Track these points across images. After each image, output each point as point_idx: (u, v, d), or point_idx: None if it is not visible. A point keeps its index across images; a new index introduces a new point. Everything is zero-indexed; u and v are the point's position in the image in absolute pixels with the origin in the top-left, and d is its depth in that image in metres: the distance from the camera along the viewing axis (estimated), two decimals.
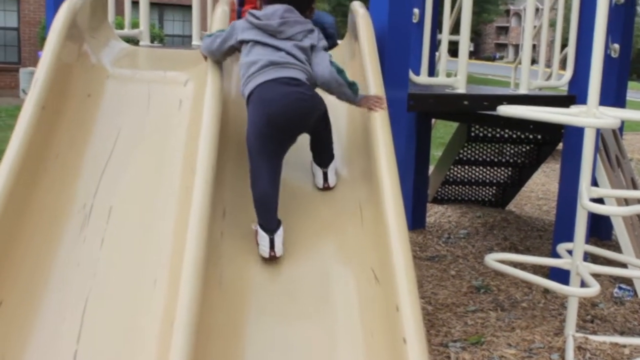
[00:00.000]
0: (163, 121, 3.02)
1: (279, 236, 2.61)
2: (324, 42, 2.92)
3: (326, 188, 2.92)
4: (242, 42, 2.84)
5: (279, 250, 2.61)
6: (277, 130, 2.68)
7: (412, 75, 3.81)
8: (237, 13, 4.62)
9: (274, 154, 2.72)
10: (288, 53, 2.76)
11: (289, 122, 2.70)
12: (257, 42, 2.79)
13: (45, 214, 2.57)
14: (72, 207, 2.63)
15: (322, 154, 2.95)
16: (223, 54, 2.96)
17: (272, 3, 2.86)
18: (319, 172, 2.93)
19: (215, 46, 2.92)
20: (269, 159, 2.69)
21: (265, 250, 2.60)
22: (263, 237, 2.60)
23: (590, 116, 3.43)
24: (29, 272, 2.37)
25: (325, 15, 4.16)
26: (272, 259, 2.61)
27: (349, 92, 2.85)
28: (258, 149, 2.68)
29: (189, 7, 5.13)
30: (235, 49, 2.92)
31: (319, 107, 2.83)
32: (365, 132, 2.99)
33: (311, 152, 2.96)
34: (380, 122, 2.87)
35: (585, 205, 3.56)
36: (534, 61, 5.01)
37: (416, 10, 5.16)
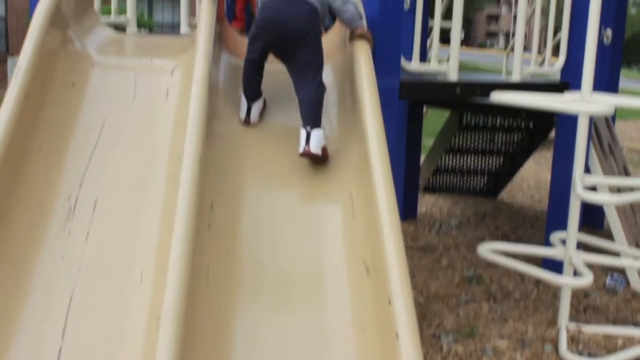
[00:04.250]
0: (149, 110, 2.95)
1: (256, 106, 3.08)
2: None
3: (306, 153, 2.87)
4: None
5: (254, 118, 3.07)
6: (273, 33, 3.04)
7: (403, 62, 3.75)
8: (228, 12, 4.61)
9: (263, 49, 3.08)
10: None
11: (283, 27, 3.01)
12: None
13: (29, 206, 2.50)
14: (56, 199, 2.57)
15: (308, 111, 2.96)
16: None
17: None
18: (303, 133, 2.91)
19: None
20: (259, 51, 3.07)
21: (242, 115, 3.07)
22: (243, 103, 3.07)
23: (584, 103, 3.39)
24: (12, 265, 2.31)
25: None
26: (246, 124, 3.05)
27: (355, 12, 3.21)
28: (252, 42, 3.09)
29: None
30: None
31: (312, 29, 3.07)
32: (357, 121, 2.94)
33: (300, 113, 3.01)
34: (371, 111, 2.82)
35: (579, 194, 3.52)
36: (525, 48, 4.96)
37: None
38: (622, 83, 7.69)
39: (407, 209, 5.87)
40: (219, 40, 3.28)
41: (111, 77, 3.11)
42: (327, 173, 2.90)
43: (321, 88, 3.02)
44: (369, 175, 2.62)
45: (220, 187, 2.69)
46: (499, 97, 3.41)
